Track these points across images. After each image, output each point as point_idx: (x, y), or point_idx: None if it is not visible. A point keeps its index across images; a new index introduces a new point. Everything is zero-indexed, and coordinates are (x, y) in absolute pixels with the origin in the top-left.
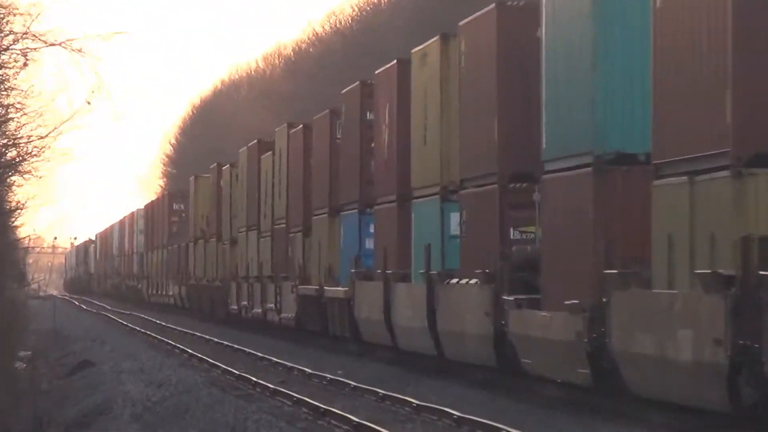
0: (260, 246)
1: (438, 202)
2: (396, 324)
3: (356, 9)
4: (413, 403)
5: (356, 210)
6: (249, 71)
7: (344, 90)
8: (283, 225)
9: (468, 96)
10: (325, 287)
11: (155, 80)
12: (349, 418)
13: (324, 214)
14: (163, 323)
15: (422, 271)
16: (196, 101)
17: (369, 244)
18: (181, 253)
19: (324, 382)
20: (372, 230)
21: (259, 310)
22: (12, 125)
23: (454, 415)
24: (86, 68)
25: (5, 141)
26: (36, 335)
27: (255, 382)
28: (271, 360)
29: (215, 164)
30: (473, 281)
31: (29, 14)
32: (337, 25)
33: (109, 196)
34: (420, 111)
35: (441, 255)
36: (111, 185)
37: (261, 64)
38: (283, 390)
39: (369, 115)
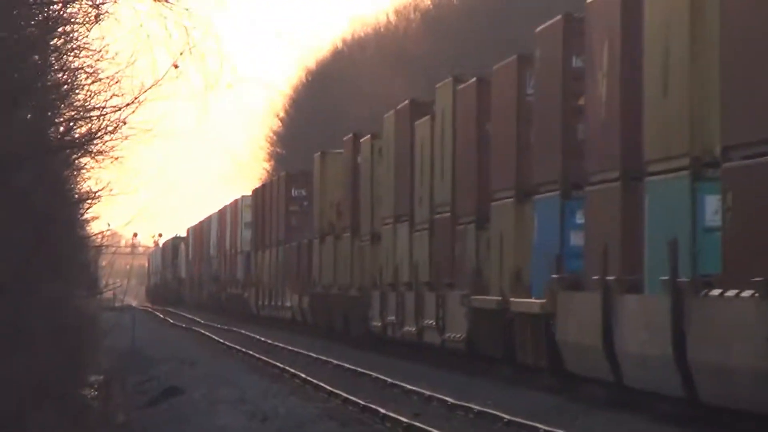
0: (414, 242)
1: (687, 181)
2: (621, 351)
3: None
4: None
5: (557, 193)
6: (377, 27)
7: (539, 27)
8: (448, 214)
9: (738, 23)
10: (512, 299)
11: (260, 40)
12: None
13: (508, 198)
14: (275, 342)
15: (664, 277)
16: (311, 65)
17: (576, 239)
18: (303, 252)
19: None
20: (581, 220)
21: (413, 329)
22: (81, 94)
23: None
24: (173, 23)
25: (73, 114)
26: (111, 355)
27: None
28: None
29: (350, 135)
30: (746, 293)
31: None
32: None
33: (202, 184)
34: (658, 50)
35: (691, 255)
36: (204, 171)
37: (392, 19)
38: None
39: (576, 61)
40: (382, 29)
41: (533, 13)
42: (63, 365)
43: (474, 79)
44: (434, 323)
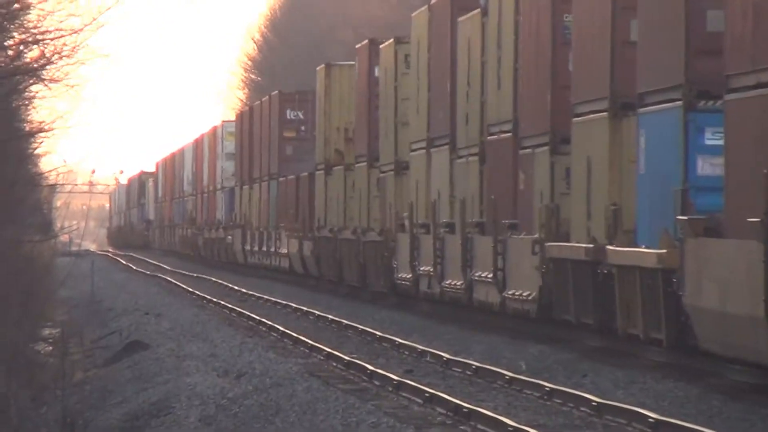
0: (456, 172)
1: None
2: None
3: None
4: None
5: (678, 103)
6: None
7: None
8: (508, 134)
9: None
10: (608, 246)
11: None
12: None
13: (599, 112)
14: (250, 291)
15: None
16: None
17: (708, 168)
18: (303, 188)
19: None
20: (715, 140)
21: (459, 282)
22: (33, 15)
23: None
24: None
25: (24, 36)
26: (67, 306)
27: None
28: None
29: (365, 42)
30: None
31: None
32: None
33: (170, 115)
34: None
35: None
36: (173, 101)
37: None
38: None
39: None
40: None
41: None
42: (13, 317)
43: None
44: (491, 276)
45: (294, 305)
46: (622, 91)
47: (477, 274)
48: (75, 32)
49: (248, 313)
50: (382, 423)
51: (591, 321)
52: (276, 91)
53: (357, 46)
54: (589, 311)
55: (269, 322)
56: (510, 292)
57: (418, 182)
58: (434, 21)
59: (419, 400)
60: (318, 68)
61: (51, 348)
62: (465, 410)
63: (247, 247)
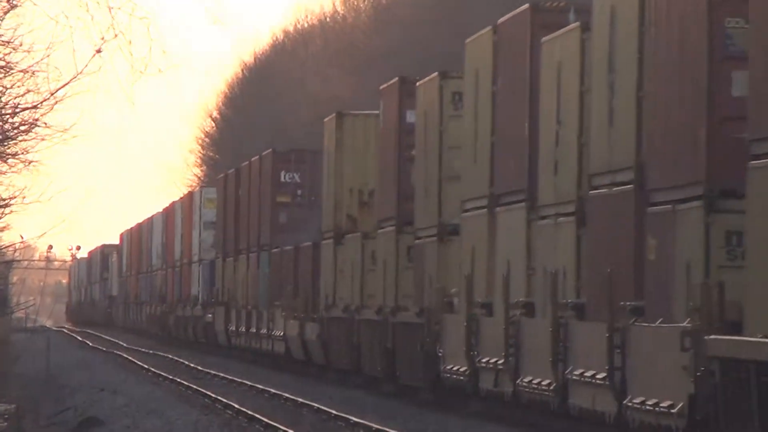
0: (535, 237)
1: None
2: None
3: None
4: None
5: None
6: (323, 18)
7: None
8: (628, 186)
9: None
10: None
11: (192, 29)
12: None
13: None
14: (206, 369)
15: None
16: (249, 60)
17: None
18: (303, 260)
19: None
20: None
21: (545, 381)
22: None
23: None
24: (96, 4)
25: None
26: (23, 382)
27: None
28: None
29: (393, 81)
30: None
31: None
32: None
33: (128, 191)
34: None
35: None
36: (131, 177)
37: (340, 10)
38: None
39: None
40: (328, 20)
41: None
42: None
43: None
44: (603, 376)
45: (289, 396)
46: None
47: (578, 372)
48: (33, 107)
49: (226, 401)
50: None
51: None
52: (269, 150)
53: (382, 87)
54: None
55: (234, 405)
56: (636, 401)
57: (475, 250)
58: (504, 44)
59: None
60: (326, 119)
61: (6, 424)
62: None
63: (232, 327)
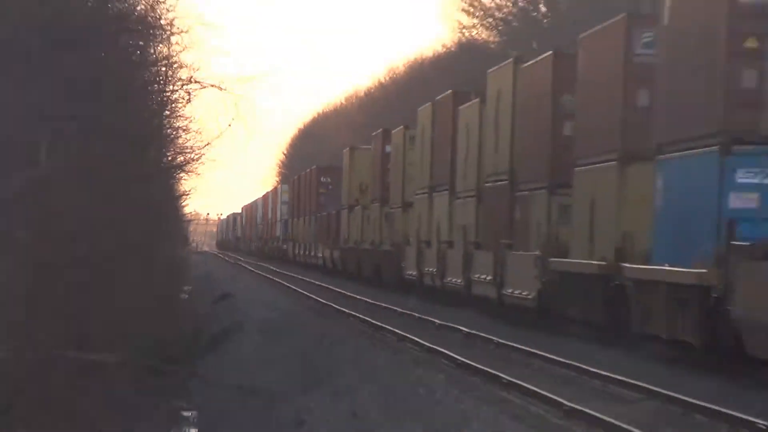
0: (455, 209)
1: None
2: None
3: (407, 65)
4: None
5: (714, 149)
6: (336, 106)
7: None
8: (505, 182)
9: None
10: (626, 264)
11: (275, 110)
12: None
13: (606, 162)
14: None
15: None
16: (301, 126)
17: (739, 201)
18: (332, 219)
19: None
20: (747, 179)
21: (458, 280)
22: (180, 140)
23: None
24: (229, 102)
25: (176, 150)
26: (194, 277)
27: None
28: None
29: (380, 131)
30: None
31: (192, 68)
32: (394, 76)
33: (243, 186)
34: None
35: None
36: (243, 181)
37: (343, 102)
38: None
39: None
40: (338, 107)
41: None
42: (171, 282)
43: (550, 52)
44: (490, 278)
45: (320, 283)
46: (631, 145)
47: (476, 276)
48: (200, 148)
49: (294, 287)
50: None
51: (600, 320)
52: (314, 166)
53: (373, 134)
54: (599, 313)
55: (297, 288)
56: (509, 291)
57: (421, 215)
58: (438, 111)
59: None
60: (344, 150)
61: (187, 296)
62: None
63: (296, 251)
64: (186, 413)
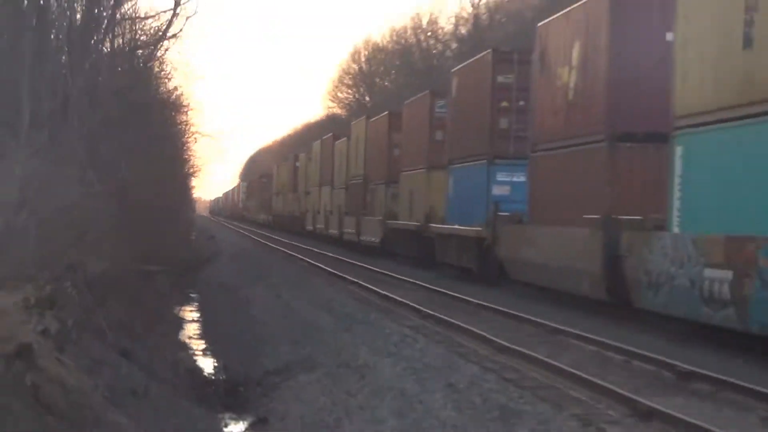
0: (333, 195)
1: None
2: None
3: (303, 125)
4: None
5: (483, 161)
6: (271, 142)
7: (457, 67)
8: (361, 180)
9: None
10: (432, 224)
11: (240, 140)
12: None
13: (418, 170)
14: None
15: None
16: (252, 153)
17: (498, 191)
18: (266, 198)
19: None
20: (502, 179)
21: (336, 232)
22: (192, 161)
23: None
24: (215, 143)
25: (190, 166)
26: (198, 230)
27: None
28: None
29: (293, 155)
30: None
31: (196, 125)
32: (296, 130)
33: (221, 182)
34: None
35: None
36: (222, 179)
37: (277, 140)
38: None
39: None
40: (273, 143)
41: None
42: (187, 229)
43: (386, 113)
44: (353, 231)
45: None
46: (433, 161)
47: (346, 230)
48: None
49: (298, 255)
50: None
51: (416, 254)
52: (260, 175)
53: (290, 154)
54: (414, 251)
55: (301, 257)
56: (364, 238)
57: (314, 198)
58: (324, 144)
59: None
60: (274, 165)
61: (194, 236)
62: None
63: (248, 215)
64: (193, 295)
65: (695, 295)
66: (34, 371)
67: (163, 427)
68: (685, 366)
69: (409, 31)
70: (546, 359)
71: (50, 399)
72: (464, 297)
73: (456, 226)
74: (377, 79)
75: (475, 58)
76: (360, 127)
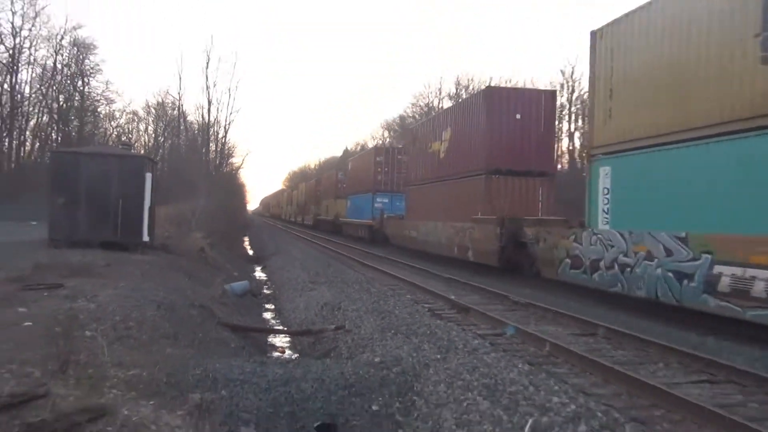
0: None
1: None
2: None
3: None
4: None
5: (368, 194)
6: (293, 172)
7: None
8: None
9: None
10: (341, 218)
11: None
12: None
13: (334, 199)
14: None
15: None
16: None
17: (378, 206)
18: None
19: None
20: (380, 201)
21: (309, 217)
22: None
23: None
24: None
25: (236, 189)
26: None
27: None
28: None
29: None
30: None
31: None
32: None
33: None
34: None
35: None
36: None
37: (295, 170)
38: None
39: (379, 157)
40: (293, 173)
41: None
42: (246, 228)
43: (313, 180)
44: (302, 219)
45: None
46: (339, 194)
47: (303, 218)
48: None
49: (319, 243)
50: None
51: (330, 229)
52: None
53: (295, 183)
54: (331, 230)
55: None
56: (306, 222)
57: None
58: (308, 186)
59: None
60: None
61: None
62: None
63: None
64: (262, 266)
65: (615, 272)
66: (205, 254)
67: (242, 267)
68: (521, 299)
69: None
70: (397, 274)
71: (210, 262)
72: (358, 247)
73: (354, 220)
74: None
75: (365, 150)
76: (302, 185)
